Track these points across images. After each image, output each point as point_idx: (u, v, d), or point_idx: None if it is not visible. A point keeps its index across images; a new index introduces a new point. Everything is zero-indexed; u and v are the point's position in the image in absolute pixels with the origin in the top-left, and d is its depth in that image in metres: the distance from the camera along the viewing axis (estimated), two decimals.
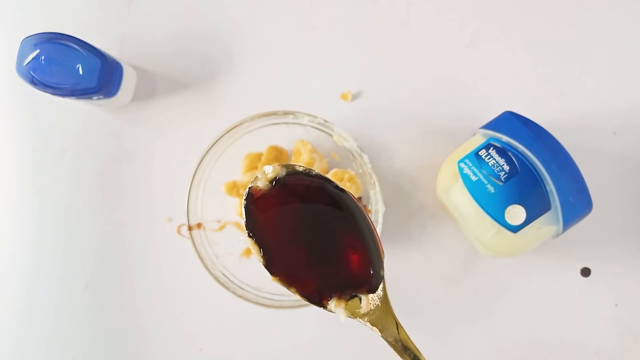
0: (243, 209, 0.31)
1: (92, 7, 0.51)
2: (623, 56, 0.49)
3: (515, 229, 0.40)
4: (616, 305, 0.49)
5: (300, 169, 0.32)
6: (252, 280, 0.46)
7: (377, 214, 0.45)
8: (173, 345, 0.50)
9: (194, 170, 0.45)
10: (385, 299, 0.31)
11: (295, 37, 0.50)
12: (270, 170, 0.31)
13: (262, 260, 0.31)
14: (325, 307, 0.31)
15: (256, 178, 0.31)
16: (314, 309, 0.34)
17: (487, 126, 0.43)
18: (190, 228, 0.45)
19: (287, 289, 0.31)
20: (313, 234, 0.31)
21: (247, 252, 0.49)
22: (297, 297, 0.31)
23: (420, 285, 0.50)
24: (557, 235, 0.42)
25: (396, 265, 0.50)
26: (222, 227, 0.49)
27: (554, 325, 0.49)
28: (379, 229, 0.45)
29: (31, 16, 0.51)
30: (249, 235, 0.31)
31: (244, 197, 0.31)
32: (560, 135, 0.41)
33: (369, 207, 0.47)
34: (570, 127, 0.49)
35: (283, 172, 0.31)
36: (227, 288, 0.45)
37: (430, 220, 0.50)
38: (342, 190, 0.32)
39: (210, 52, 0.51)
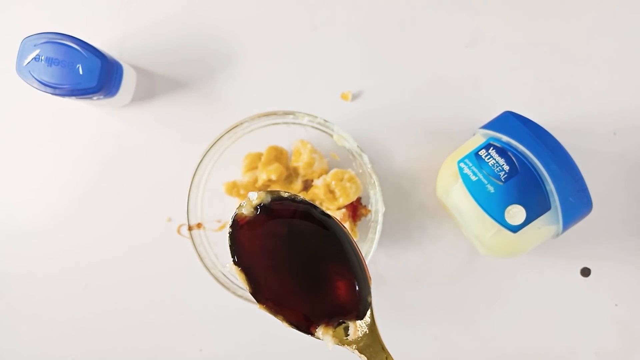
0: (228, 236, 0.31)
1: (92, 7, 0.51)
2: (623, 56, 0.49)
3: (515, 229, 0.40)
4: (616, 305, 0.49)
5: (286, 194, 0.31)
6: None
7: (377, 214, 0.45)
8: (173, 345, 0.50)
9: (194, 170, 0.45)
10: (373, 326, 0.31)
11: (295, 37, 0.50)
12: (255, 197, 0.31)
13: (248, 288, 0.31)
14: (313, 335, 0.31)
15: (240, 205, 0.31)
16: None
17: (487, 126, 0.43)
18: (190, 228, 0.45)
19: (275, 316, 0.31)
20: (300, 260, 0.31)
21: None
22: (285, 325, 0.31)
23: (420, 285, 0.50)
24: (557, 235, 0.42)
25: (396, 265, 0.50)
26: (222, 227, 0.49)
27: (554, 325, 0.49)
28: (378, 228, 0.45)
29: (31, 16, 0.51)
30: (235, 263, 0.31)
31: (229, 225, 0.31)
32: (560, 135, 0.41)
33: (369, 207, 0.47)
34: (571, 127, 0.49)
35: (268, 199, 0.31)
36: (227, 288, 0.45)
37: (430, 220, 0.50)
38: (329, 216, 0.31)
39: (210, 52, 0.51)
